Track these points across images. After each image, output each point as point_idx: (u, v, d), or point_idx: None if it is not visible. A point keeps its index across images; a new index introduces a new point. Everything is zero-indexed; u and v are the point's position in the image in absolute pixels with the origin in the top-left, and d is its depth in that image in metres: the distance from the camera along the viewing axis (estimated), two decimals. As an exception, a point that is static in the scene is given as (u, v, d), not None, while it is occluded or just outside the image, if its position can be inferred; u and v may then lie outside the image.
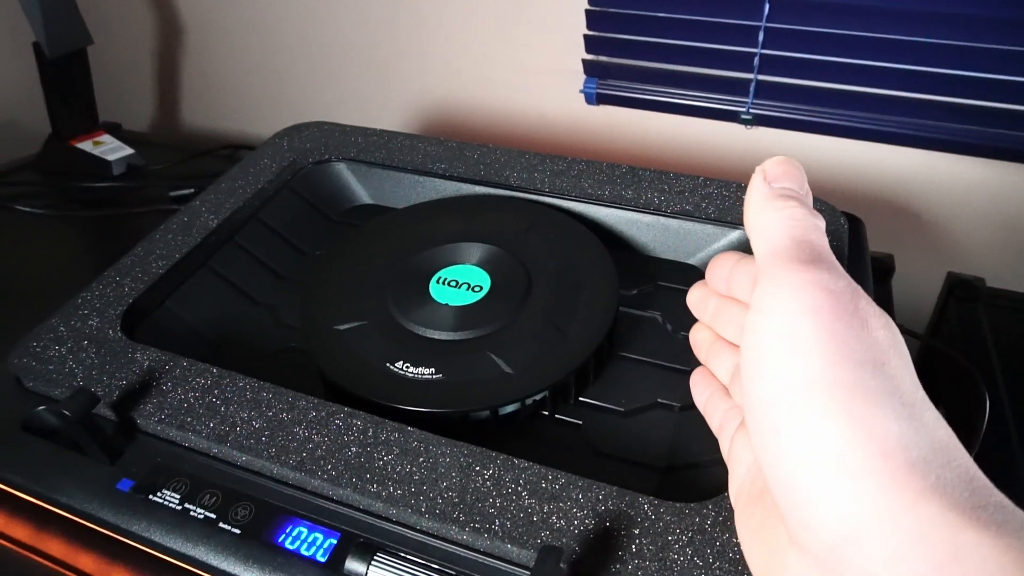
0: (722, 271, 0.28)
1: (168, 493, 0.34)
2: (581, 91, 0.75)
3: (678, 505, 0.30)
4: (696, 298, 0.30)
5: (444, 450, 0.33)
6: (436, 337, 0.41)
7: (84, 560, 0.34)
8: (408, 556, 0.30)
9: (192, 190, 0.66)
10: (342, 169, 0.58)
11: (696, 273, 0.49)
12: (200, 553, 0.32)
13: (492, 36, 0.78)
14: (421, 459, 0.33)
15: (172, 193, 0.67)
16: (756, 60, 0.66)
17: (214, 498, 0.33)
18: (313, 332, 0.43)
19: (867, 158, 0.69)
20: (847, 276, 0.21)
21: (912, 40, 0.60)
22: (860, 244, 0.49)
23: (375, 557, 0.30)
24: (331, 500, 0.33)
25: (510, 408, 0.38)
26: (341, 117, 0.66)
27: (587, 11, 0.70)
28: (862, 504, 0.18)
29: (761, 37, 0.64)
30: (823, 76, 0.65)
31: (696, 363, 0.31)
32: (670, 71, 0.71)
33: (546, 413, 0.40)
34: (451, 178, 0.54)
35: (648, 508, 0.30)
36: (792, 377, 0.20)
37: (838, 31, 0.62)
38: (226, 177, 0.54)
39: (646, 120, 0.76)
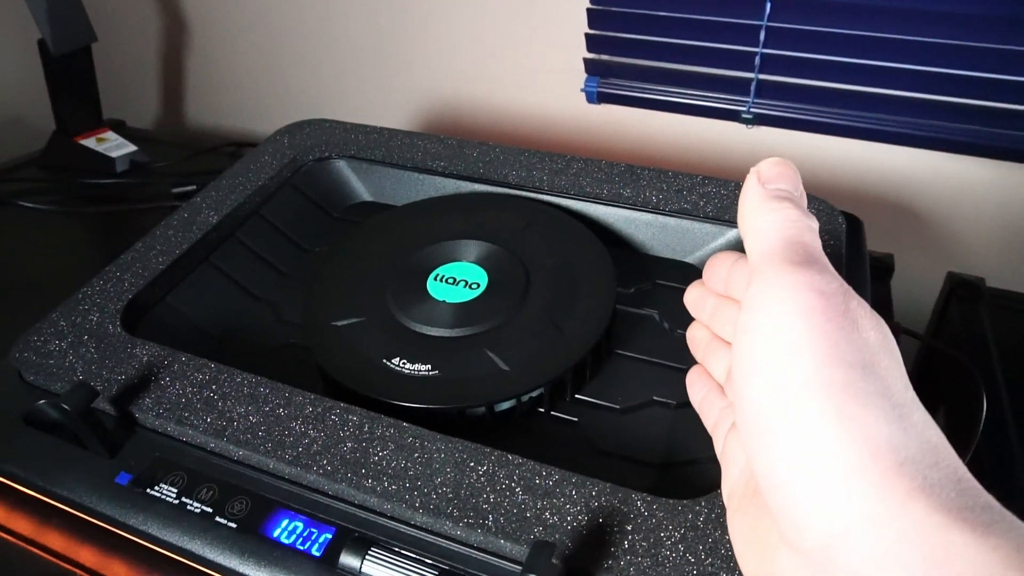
0: (720, 270, 0.28)
1: (166, 487, 0.34)
2: (582, 90, 0.75)
3: (671, 502, 0.31)
4: (693, 297, 0.30)
5: (439, 446, 0.33)
6: (433, 334, 0.42)
7: (84, 553, 0.35)
8: (402, 551, 0.31)
9: (195, 187, 0.67)
10: (342, 166, 0.58)
11: (694, 271, 0.49)
12: (197, 547, 0.32)
13: (494, 35, 0.78)
14: (416, 455, 0.33)
15: (175, 190, 0.68)
16: (757, 59, 0.66)
17: (211, 492, 0.34)
18: (312, 328, 0.43)
19: (868, 157, 0.69)
20: (839, 278, 0.21)
21: (913, 40, 0.60)
22: (858, 244, 0.49)
23: (369, 552, 0.31)
24: (327, 495, 0.33)
25: (506, 405, 0.38)
26: (344, 115, 0.66)
27: (588, 10, 0.70)
28: (852, 504, 0.18)
29: (762, 36, 0.64)
30: (824, 76, 0.65)
31: (692, 361, 0.31)
32: (671, 70, 0.71)
33: (543, 410, 0.40)
34: (450, 176, 0.54)
35: (641, 504, 0.30)
36: (783, 377, 0.20)
37: (839, 31, 0.62)
38: (227, 174, 0.54)
39: (647, 119, 0.76)
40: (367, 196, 0.59)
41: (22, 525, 0.36)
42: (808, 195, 0.25)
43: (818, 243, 0.22)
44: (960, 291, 0.60)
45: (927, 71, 0.61)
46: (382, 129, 0.60)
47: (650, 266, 0.50)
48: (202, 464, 0.35)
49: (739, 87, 0.68)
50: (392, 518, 0.32)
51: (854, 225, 0.50)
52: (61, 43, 0.71)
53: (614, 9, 0.69)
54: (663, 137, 0.77)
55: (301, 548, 0.31)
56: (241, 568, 0.31)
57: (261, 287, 0.50)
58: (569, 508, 0.31)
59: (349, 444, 0.34)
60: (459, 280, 0.45)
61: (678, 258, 0.50)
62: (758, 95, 0.67)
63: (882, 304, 0.56)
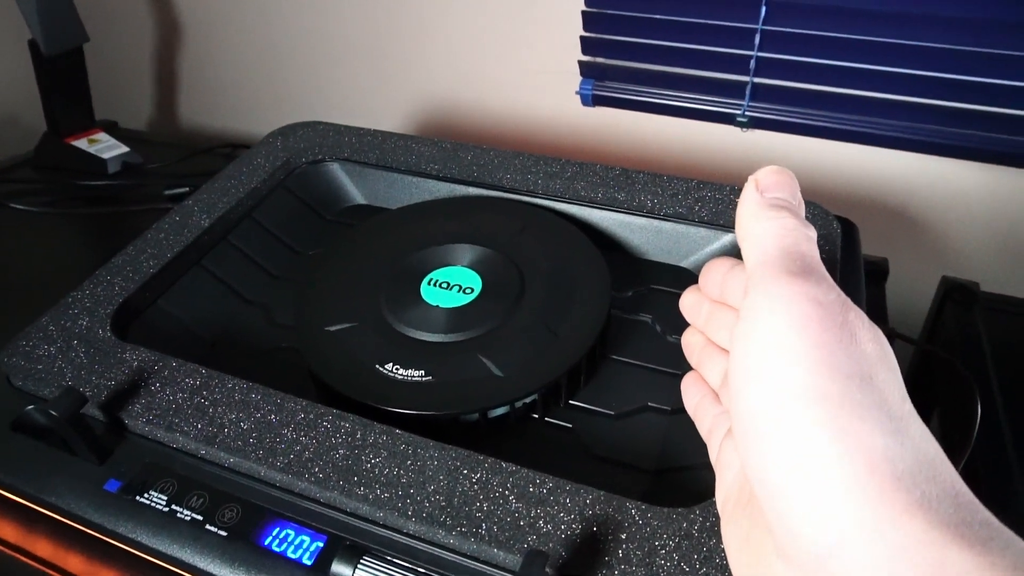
0: (716, 276, 0.28)
1: (155, 494, 0.34)
2: (577, 92, 0.75)
3: (665, 510, 0.30)
4: (689, 302, 0.30)
5: (432, 453, 0.33)
6: (427, 339, 0.41)
7: (72, 561, 0.34)
8: (395, 560, 0.30)
9: (188, 189, 0.66)
10: (336, 169, 0.58)
11: (689, 276, 0.49)
12: (186, 555, 0.32)
13: (489, 37, 0.77)
14: (409, 462, 0.33)
15: (168, 192, 0.67)
16: (752, 63, 0.66)
17: (201, 499, 0.33)
18: (305, 333, 0.43)
19: (863, 161, 0.69)
20: (837, 288, 0.21)
21: (908, 44, 0.60)
22: (853, 248, 0.49)
23: (362, 560, 0.30)
24: (318, 503, 0.33)
25: (500, 411, 0.38)
26: (338, 117, 0.66)
27: (584, 12, 0.69)
28: (847, 517, 0.18)
29: (757, 40, 0.64)
30: (819, 79, 0.65)
31: (687, 367, 0.31)
32: (666, 73, 0.71)
33: (536, 416, 0.40)
34: (445, 179, 0.54)
35: (635, 513, 0.30)
36: (780, 389, 0.20)
37: (834, 34, 0.62)
38: (220, 176, 0.54)
39: (642, 122, 0.76)
40: (361, 199, 0.58)
41: (8, 531, 0.35)
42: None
43: (816, 252, 0.22)
44: (954, 295, 0.60)
45: (921, 75, 0.61)
46: (376, 132, 0.59)
47: (644, 270, 0.50)
48: (192, 471, 0.34)
49: (734, 90, 0.68)
50: (384, 526, 0.31)
51: (849, 230, 0.50)
52: (52, 43, 0.71)
53: (609, 12, 0.69)
54: (658, 140, 0.76)
55: (292, 556, 0.31)
56: (231, 577, 0.31)
57: (253, 290, 0.50)
58: (563, 516, 0.30)
59: (341, 451, 0.33)
60: (453, 285, 0.44)
61: (673, 262, 0.50)
62: (753, 98, 0.67)
63: (876, 308, 0.56)
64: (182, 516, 0.33)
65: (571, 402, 0.40)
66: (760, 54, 0.65)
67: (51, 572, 0.34)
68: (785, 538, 0.19)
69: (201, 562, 0.31)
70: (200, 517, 0.33)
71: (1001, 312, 0.59)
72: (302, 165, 0.57)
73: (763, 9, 0.63)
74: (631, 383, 0.41)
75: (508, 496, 0.31)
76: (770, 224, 0.23)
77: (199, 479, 0.34)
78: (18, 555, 0.35)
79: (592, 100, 0.75)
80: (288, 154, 0.57)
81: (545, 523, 0.30)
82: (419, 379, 0.39)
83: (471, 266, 0.46)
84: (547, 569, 0.27)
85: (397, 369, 0.39)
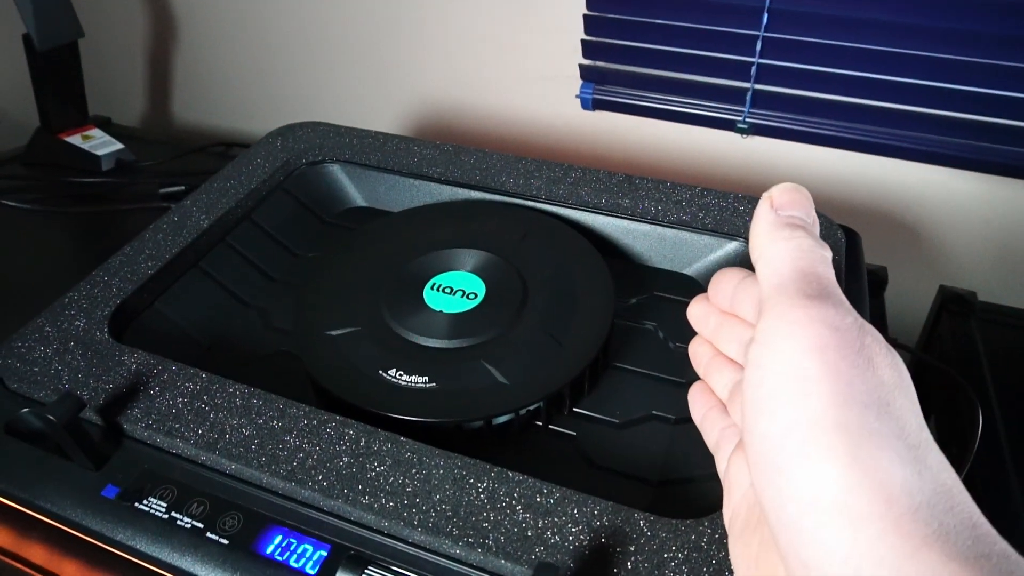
0: (726, 287, 0.27)
1: (154, 501, 0.33)
2: (577, 96, 0.75)
3: (674, 522, 0.30)
4: (697, 312, 0.29)
5: (438, 462, 0.33)
6: (430, 345, 0.41)
7: (67, 568, 0.34)
8: (399, 570, 0.30)
9: (183, 187, 0.65)
10: (336, 171, 0.57)
11: (693, 283, 0.49)
12: (187, 563, 0.31)
13: (490, 40, 0.77)
14: (414, 470, 0.32)
15: (162, 190, 0.66)
16: (753, 69, 0.66)
17: (202, 507, 0.33)
18: (305, 337, 0.42)
19: (861, 170, 0.69)
20: (853, 311, 0.21)
21: (909, 54, 0.60)
22: (857, 258, 0.49)
23: (366, 570, 0.30)
24: (322, 511, 0.32)
25: (504, 418, 0.38)
26: (336, 117, 0.65)
27: (585, 16, 0.69)
28: (864, 549, 0.17)
29: (759, 47, 0.64)
30: (820, 87, 0.65)
31: (692, 376, 0.31)
32: (667, 78, 0.71)
33: (540, 424, 0.39)
34: (446, 182, 0.54)
35: (644, 524, 0.30)
36: (796, 417, 0.19)
37: (836, 43, 0.62)
38: (218, 176, 0.53)
39: (642, 127, 0.76)
40: (361, 201, 0.58)
41: (2, 537, 0.35)
42: None
43: (832, 274, 0.22)
44: (952, 305, 0.61)
45: (923, 85, 0.61)
46: (377, 133, 0.59)
47: (648, 278, 0.50)
48: (193, 478, 0.34)
49: (735, 97, 0.68)
50: (389, 536, 0.31)
51: (852, 239, 0.50)
52: (46, 38, 0.70)
53: (610, 16, 0.69)
54: (658, 144, 0.76)
55: (295, 566, 0.30)
56: (233, 586, 0.30)
57: (251, 293, 0.49)
58: (571, 527, 0.30)
59: (345, 459, 0.33)
60: (456, 290, 0.44)
61: (677, 270, 0.50)
62: (754, 105, 0.67)
63: (876, 317, 0.56)
64: (182, 524, 0.32)
65: (575, 410, 0.40)
66: (761, 61, 0.65)
67: (46, 579, 0.33)
68: (798, 567, 0.19)
69: (201, 571, 0.31)
70: (200, 525, 0.32)
71: (998, 322, 0.60)
72: (302, 166, 0.56)
73: (765, 16, 0.63)
74: (635, 391, 0.41)
75: (515, 506, 0.31)
76: (786, 244, 0.22)
77: (199, 486, 0.33)
78: (11, 561, 0.34)
79: (592, 104, 0.74)
80: (288, 155, 0.56)
81: (553, 534, 0.30)
82: (423, 385, 0.38)
83: (475, 271, 0.45)
84: (557, 582, 0.27)
85: (401, 375, 0.39)
